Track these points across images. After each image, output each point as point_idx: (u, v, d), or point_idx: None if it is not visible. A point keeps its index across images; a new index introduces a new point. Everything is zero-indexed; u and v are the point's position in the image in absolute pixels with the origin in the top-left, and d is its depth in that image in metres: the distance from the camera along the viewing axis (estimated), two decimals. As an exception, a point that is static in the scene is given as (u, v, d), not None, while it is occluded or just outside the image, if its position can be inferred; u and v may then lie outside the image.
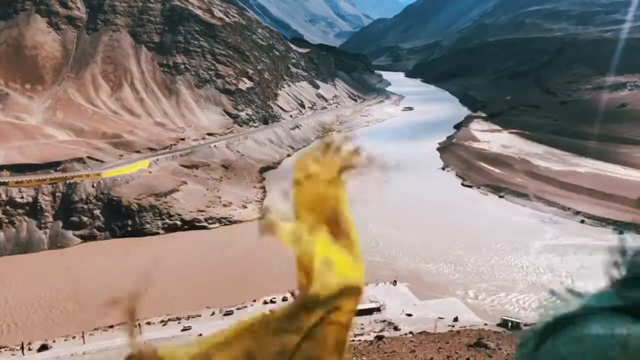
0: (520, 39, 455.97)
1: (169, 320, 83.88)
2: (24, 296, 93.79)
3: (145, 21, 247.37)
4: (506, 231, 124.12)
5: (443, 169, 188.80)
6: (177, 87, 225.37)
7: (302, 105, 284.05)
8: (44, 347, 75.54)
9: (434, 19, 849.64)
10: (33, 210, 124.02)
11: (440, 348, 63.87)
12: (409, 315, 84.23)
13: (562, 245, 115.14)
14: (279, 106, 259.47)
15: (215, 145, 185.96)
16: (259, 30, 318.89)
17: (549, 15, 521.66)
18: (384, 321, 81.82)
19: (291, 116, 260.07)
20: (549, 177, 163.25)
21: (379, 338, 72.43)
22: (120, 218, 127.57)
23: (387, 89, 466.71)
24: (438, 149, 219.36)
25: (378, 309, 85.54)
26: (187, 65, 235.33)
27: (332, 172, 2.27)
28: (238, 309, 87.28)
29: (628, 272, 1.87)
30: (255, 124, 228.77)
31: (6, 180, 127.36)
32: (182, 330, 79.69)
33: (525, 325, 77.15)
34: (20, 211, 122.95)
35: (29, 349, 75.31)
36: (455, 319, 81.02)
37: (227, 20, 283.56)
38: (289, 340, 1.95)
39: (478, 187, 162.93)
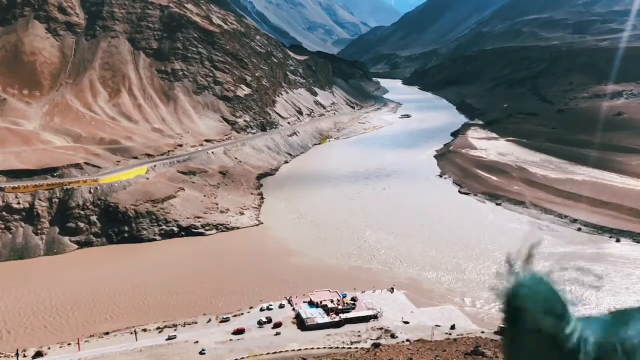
0: (517, 47, 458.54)
1: (165, 327, 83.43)
2: (20, 303, 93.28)
3: (144, 28, 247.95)
4: (504, 239, 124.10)
5: (440, 176, 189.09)
6: (175, 93, 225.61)
7: (300, 113, 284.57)
8: (38, 355, 75.05)
9: (431, 27, 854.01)
10: (30, 216, 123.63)
11: (437, 356, 63.66)
12: (406, 323, 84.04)
13: (559, 253, 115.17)
14: (277, 113, 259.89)
15: (213, 152, 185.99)
16: (258, 37, 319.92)
17: (546, 24, 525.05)
18: (381, 329, 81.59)
19: (289, 123, 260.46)
20: (546, 185, 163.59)
21: (376, 346, 72.19)
22: (117, 224, 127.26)
23: (385, 96, 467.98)
24: (435, 157, 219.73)
25: (375, 317, 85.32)
26: (185, 72, 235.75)
27: None
28: (235, 315, 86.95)
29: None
30: (253, 131, 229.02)
31: (3, 186, 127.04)
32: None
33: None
34: (17, 217, 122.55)
35: (24, 356, 74.80)
36: (453, 327, 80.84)
37: (225, 27, 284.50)
38: None
39: (475, 195, 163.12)
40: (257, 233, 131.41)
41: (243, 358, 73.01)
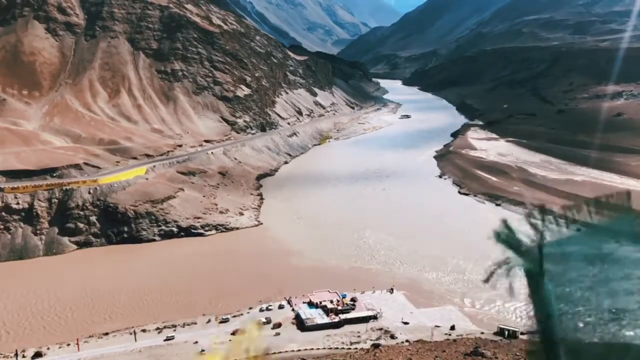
0: (517, 47, 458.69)
1: (165, 327, 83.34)
2: (19, 303, 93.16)
3: (143, 28, 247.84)
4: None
5: (440, 176, 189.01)
6: (174, 93, 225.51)
7: (300, 113, 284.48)
8: (37, 355, 74.95)
9: (431, 27, 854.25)
10: (29, 216, 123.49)
11: (436, 357, 63.62)
12: (406, 323, 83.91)
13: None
14: (276, 113, 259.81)
15: (212, 152, 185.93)
16: (257, 37, 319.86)
17: (546, 24, 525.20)
18: (380, 329, 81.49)
19: (288, 123, 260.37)
20: (546, 185, 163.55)
21: (376, 346, 72.13)
22: (117, 224, 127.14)
23: (385, 96, 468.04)
24: (435, 157, 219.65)
25: (375, 317, 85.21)
26: (185, 72, 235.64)
27: None
28: (234, 316, 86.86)
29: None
30: (253, 131, 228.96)
31: (2, 186, 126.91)
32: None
33: (522, 334, 76.87)
34: (16, 217, 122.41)
35: (23, 356, 74.70)
36: (452, 328, 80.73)
37: (225, 27, 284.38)
38: None
39: (475, 195, 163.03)
40: (257, 233, 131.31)
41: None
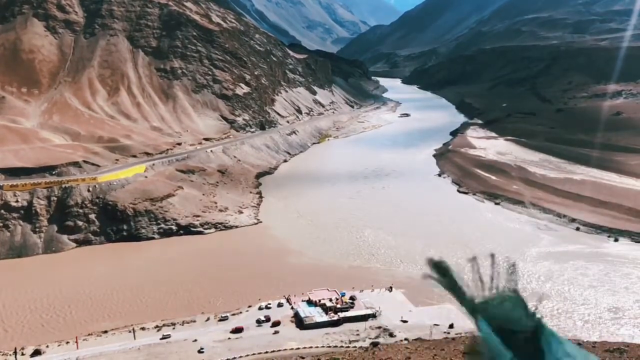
0: (516, 46, 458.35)
1: (164, 325, 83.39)
2: (18, 301, 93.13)
3: (142, 26, 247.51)
4: (502, 238, 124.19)
5: (439, 175, 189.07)
6: (174, 91, 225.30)
7: (299, 111, 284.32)
8: (37, 352, 74.98)
9: (430, 26, 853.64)
10: (28, 214, 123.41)
11: (435, 355, 63.66)
12: (405, 321, 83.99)
13: (558, 252, 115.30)
14: (275, 112, 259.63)
15: (211, 151, 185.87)
16: (257, 35, 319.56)
17: (545, 23, 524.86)
18: (379, 327, 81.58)
19: (288, 122, 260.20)
20: (545, 184, 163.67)
21: (374, 345, 72.24)
22: (116, 222, 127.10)
23: (384, 95, 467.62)
24: (434, 156, 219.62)
25: (373, 315, 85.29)
26: (184, 70, 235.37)
27: None
28: (233, 314, 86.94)
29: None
30: (252, 129, 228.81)
31: (1, 184, 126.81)
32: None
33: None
34: (15, 215, 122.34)
35: (22, 354, 74.71)
36: (451, 326, 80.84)
37: (224, 25, 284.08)
38: None
39: (474, 194, 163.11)
40: (256, 232, 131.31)
41: (241, 357, 73.01)
